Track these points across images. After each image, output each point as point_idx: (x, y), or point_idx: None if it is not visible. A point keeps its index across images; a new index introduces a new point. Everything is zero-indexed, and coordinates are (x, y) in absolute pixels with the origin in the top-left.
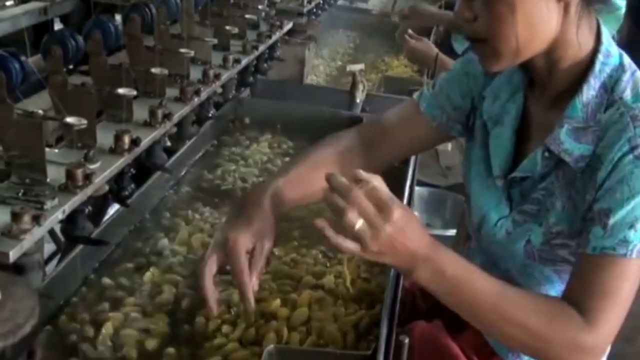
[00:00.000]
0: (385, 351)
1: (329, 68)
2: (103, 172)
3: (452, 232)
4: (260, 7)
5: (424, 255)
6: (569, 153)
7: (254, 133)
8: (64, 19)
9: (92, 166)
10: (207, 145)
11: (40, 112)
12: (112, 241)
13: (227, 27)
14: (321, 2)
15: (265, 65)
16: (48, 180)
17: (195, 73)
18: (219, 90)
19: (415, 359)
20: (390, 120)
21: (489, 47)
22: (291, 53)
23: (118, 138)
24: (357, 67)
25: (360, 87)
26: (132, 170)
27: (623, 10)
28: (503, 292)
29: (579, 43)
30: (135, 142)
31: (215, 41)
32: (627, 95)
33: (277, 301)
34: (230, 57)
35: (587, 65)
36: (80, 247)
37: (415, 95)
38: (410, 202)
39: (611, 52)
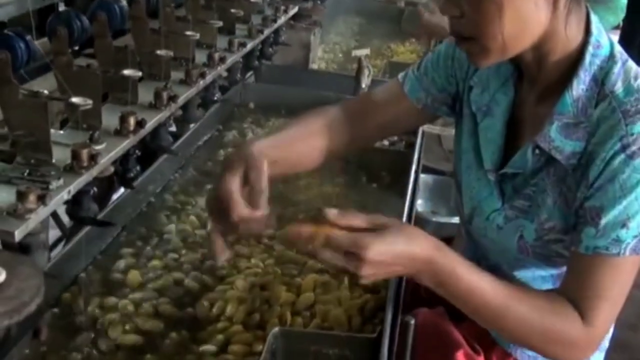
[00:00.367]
0: (390, 334)
1: (334, 53)
2: (108, 153)
3: (457, 219)
4: None
5: (419, 269)
6: (560, 150)
7: (259, 118)
8: (68, 3)
9: (98, 147)
10: (212, 130)
11: (46, 92)
12: (118, 224)
13: (232, 10)
14: None
15: (270, 49)
16: (53, 160)
17: (200, 56)
18: (224, 73)
19: (418, 345)
20: (376, 99)
21: (476, 44)
22: (296, 38)
23: (123, 120)
24: (363, 52)
25: (366, 72)
26: (137, 152)
27: (622, 4)
28: (504, 293)
29: (568, 37)
30: (140, 124)
31: (221, 24)
32: (619, 88)
33: (282, 287)
34: (236, 41)
35: (577, 58)
36: (85, 229)
37: (400, 75)
38: (415, 188)
39: (601, 43)
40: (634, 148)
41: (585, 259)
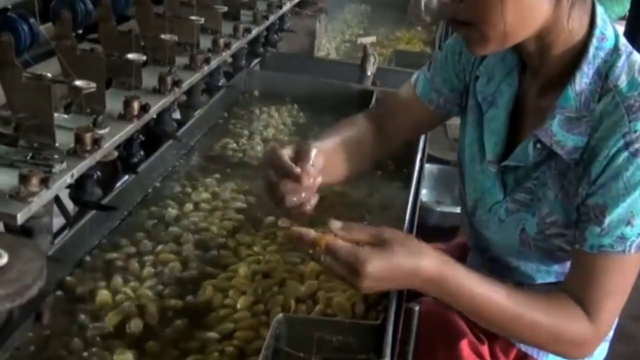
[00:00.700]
0: (394, 322)
1: (340, 41)
2: (112, 137)
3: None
4: None
5: (423, 283)
6: (562, 145)
7: (264, 105)
8: None
9: (101, 131)
10: (217, 117)
11: (49, 75)
12: (122, 210)
13: None
14: None
15: (275, 36)
16: (57, 144)
17: (205, 42)
18: (229, 59)
19: (422, 334)
20: (393, 104)
21: (475, 30)
22: (301, 25)
23: (127, 104)
24: (368, 39)
25: (371, 60)
26: (141, 137)
27: None
28: (513, 299)
29: (570, 30)
30: (144, 109)
31: (225, 9)
32: (622, 82)
33: (286, 274)
34: (241, 27)
35: (580, 50)
36: (89, 215)
37: (413, 77)
38: (420, 178)
39: (606, 35)
40: (637, 145)
41: (590, 258)
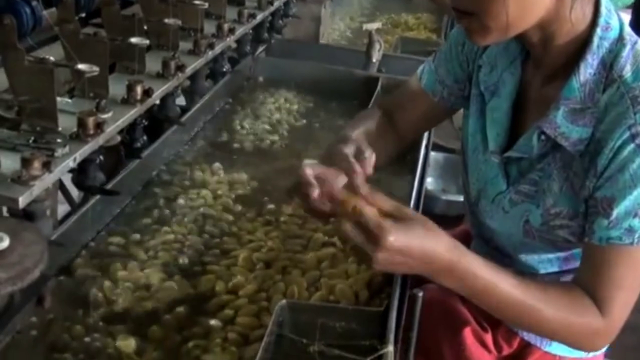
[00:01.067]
0: (398, 308)
1: (345, 27)
2: (115, 121)
3: None
4: None
5: (437, 269)
6: (566, 137)
7: (269, 92)
8: None
9: (104, 116)
10: (221, 103)
11: (52, 58)
12: (126, 195)
13: None
14: None
15: (280, 22)
16: (59, 128)
17: (209, 27)
18: (234, 45)
19: (425, 321)
20: (401, 97)
21: (476, 21)
22: (307, 11)
23: (130, 88)
24: (374, 25)
25: (377, 46)
26: (144, 121)
27: None
28: (525, 291)
29: (573, 21)
30: (147, 93)
31: None
32: (627, 72)
33: (287, 262)
34: (245, 12)
35: (585, 40)
36: (93, 200)
37: (419, 70)
38: (425, 166)
39: (610, 24)
40: None
41: (599, 250)
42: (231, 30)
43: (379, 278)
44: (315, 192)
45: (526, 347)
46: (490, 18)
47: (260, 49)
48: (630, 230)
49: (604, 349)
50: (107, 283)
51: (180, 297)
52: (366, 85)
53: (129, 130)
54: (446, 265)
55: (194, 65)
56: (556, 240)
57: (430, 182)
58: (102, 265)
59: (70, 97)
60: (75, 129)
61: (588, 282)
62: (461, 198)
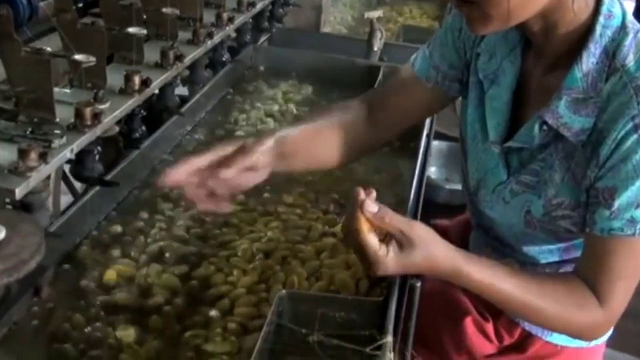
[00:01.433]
0: (398, 299)
1: (346, 16)
2: (113, 112)
3: None
4: None
5: (440, 274)
6: (568, 127)
7: (270, 81)
8: None
9: (102, 106)
10: (222, 93)
11: (48, 49)
12: (127, 186)
13: None
14: None
15: (281, 11)
16: (57, 119)
17: (208, 16)
18: (233, 34)
19: (426, 311)
20: (392, 86)
21: (477, 9)
22: None
23: (128, 78)
24: (375, 14)
25: (378, 34)
26: (142, 112)
27: None
28: (525, 290)
29: (575, 10)
30: (145, 83)
31: None
32: (630, 61)
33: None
34: (245, 0)
35: (587, 29)
36: (92, 192)
37: (413, 56)
38: (426, 154)
39: (613, 12)
40: None
41: (601, 241)
42: (230, 19)
43: None
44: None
45: (527, 337)
46: (492, 6)
47: (263, 38)
48: (632, 221)
49: (605, 337)
50: (107, 273)
51: (180, 288)
52: (368, 74)
53: (127, 121)
54: (441, 274)
55: (192, 55)
56: (558, 230)
57: (433, 171)
58: (102, 255)
59: (71, 88)
60: (72, 120)
61: (588, 272)
62: None
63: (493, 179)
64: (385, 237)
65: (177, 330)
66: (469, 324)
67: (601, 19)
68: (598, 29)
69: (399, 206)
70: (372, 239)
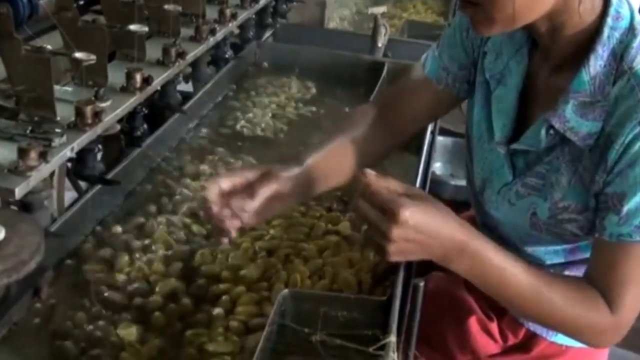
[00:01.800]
0: (402, 298)
1: (351, 11)
2: (114, 110)
3: None
4: None
5: (456, 247)
6: (575, 132)
7: (274, 77)
8: None
9: (103, 104)
10: (225, 90)
11: (49, 47)
12: (128, 184)
13: None
14: None
15: (284, 6)
16: (57, 118)
17: (211, 12)
18: (236, 30)
19: (430, 310)
20: (404, 88)
21: (482, 12)
22: None
23: (130, 76)
24: (379, 9)
25: (382, 30)
26: (144, 110)
27: None
28: (535, 276)
29: (581, 13)
30: (147, 81)
31: None
32: (638, 63)
33: (289, 250)
34: None
35: (595, 31)
36: (94, 189)
37: (423, 57)
38: (431, 150)
39: (621, 14)
40: None
41: (609, 246)
42: (233, 16)
43: (383, 266)
44: (215, 209)
45: (532, 337)
46: (496, 10)
47: (267, 34)
48: None
49: None
50: (108, 271)
51: (182, 286)
52: (372, 70)
53: (128, 119)
54: (458, 244)
55: (195, 52)
56: (564, 233)
57: (438, 167)
58: (104, 253)
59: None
60: (73, 118)
61: (597, 278)
62: None
63: (498, 180)
64: None
65: (179, 328)
66: (473, 323)
67: (609, 20)
68: (606, 30)
69: None
70: (386, 189)
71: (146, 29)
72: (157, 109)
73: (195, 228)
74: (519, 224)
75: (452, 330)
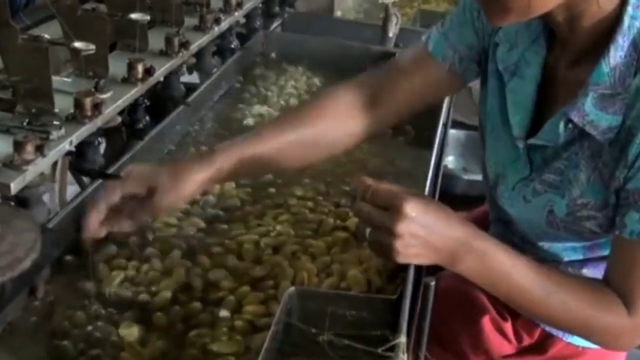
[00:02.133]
0: (412, 296)
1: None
2: (114, 102)
3: None
4: None
5: (462, 242)
6: (595, 125)
7: (282, 68)
8: None
9: (103, 96)
10: (232, 81)
11: (47, 36)
12: None
13: None
14: None
15: None
16: (56, 110)
17: (216, 1)
18: (242, 20)
19: (441, 309)
20: (398, 68)
21: (495, 1)
22: None
23: (131, 67)
24: None
25: (393, 20)
26: (146, 102)
27: None
28: (549, 282)
29: (600, 1)
30: (149, 72)
31: None
32: None
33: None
34: None
35: (614, 21)
36: (94, 185)
37: (424, 36)
38: (443, 144)
39: None
40: None
41: (630, 245)
42: (239, 4)
43: (393, 263)
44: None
45: (548, 337)
46: None
47: (275, 23)
48: None
49: None
50: (109, 269)
51: (186, 285)
52: (383, 61)
53: (130, 111)
54: (464, 239)
55: (199, 42)
56: (582, 231)
57: (450, 161)
58: (104, 250)
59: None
60: (72, 110)
61: (616, 277)
62: None
63: (513, 175)
64: None
65: (182, 329)
66: (486, 323)
67: (629, 9)
68: (626, 20)
69: None
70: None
71: (148, 17)
72: (160, 101)
73: (199, 225)
74: (534, 222)
75: (464, 330)
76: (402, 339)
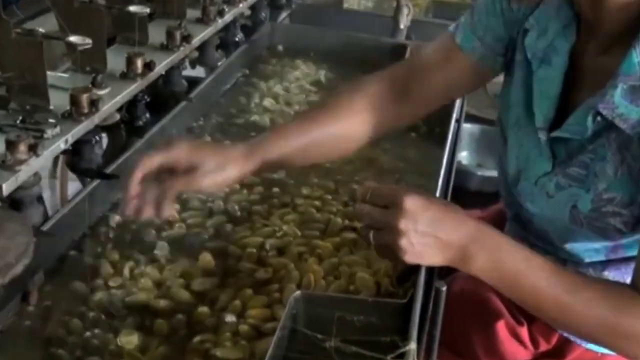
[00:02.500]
0: (423, 301)
1: None
2: (112, 98)
3: None
4: None
5: (473, 239)
6: (625, 118)
7: (289, 62)
8: None
9: (100, 92)
10: (238, 74)
11: (41, 30)
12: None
13: None
14: None
15: None
16: (51, 107)
17: None
18: (247, 12)
19: (455, 314)
20: (425, 60)
21: None
22: None
23: (130, 62)
24: None
25: (405, 11)
26: (146, 98)
27: None
28: (567, 283)
29: None
30: (149, 66)
31: None
32: None
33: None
34: None
35: None
36: (92, 186)
37: (452, 26)
38: (456, 139)
39: None
40: None
41: None
42: None
43: (403, 265)
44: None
45: (565, 343)
46: None
47: (282, 15)
48: None
49: None
50: (108, 272)
51: (188, 288)
52: (394, 53)
53: (129, 108)
54: (475, 236)
55: (202, 35)
56: (606, 228)
57: (465, 157)
58: (103, 253)
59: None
60: (68, 107)
61: None
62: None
63: (535, 170)
64: None
65: (184, 334)
66: (501, 327)
67: None
68: None
69: None
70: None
71: (148, 10)
72: (161, 97)
73: (201, 226)
74: (557, 218)
75: (478, 335)
76: (412, 345)
